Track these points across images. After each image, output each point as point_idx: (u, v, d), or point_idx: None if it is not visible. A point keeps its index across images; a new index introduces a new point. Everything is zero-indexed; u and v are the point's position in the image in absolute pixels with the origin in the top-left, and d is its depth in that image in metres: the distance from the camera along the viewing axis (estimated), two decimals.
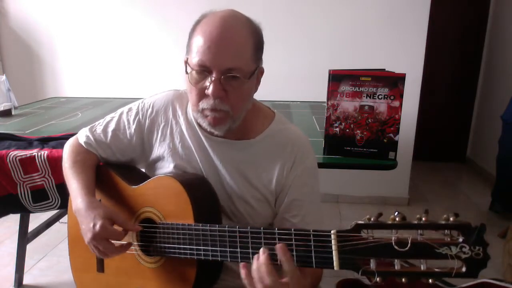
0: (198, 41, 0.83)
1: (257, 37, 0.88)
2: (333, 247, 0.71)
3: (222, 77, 0.83)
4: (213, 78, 0.83)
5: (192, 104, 0.90)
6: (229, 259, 0.83)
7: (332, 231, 0.71)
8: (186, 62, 0.88)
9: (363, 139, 1.45)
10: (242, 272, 0.76)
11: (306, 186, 0.96)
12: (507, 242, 2.14)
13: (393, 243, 0.65)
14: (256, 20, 0.90)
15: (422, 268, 0.65)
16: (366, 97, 1.40)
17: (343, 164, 1.46)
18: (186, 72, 0.88)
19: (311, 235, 0.73)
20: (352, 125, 1.44)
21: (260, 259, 0.75)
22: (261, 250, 0.76)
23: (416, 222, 0.65)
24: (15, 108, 2.22)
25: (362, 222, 0.68)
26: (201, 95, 0.86)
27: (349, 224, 0.70)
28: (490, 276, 1.68)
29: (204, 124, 0.90)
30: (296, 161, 0.95)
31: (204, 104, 0.86)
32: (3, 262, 2.26)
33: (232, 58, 0.82)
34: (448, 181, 3.61)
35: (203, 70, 0.84)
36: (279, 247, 0.75)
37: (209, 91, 0.84)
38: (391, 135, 1.42)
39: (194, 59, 0.84)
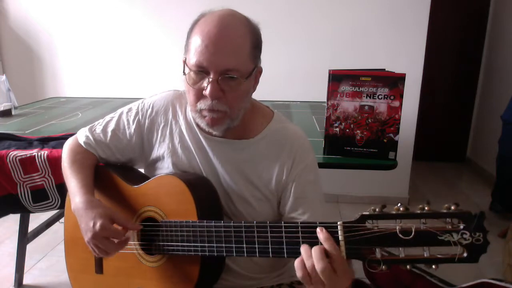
0: (196, 41, 0.83)
1: (255, 37, 0.87)
2: (340, 238, 0.72)
3: (220, 77, 0.83)
4: (210, 79, 0.83)
5: (190, 104, 0.91)
6: (234, 254, 0.83)
7: (338, 222, 0.72)
8: (185, 62, 0.88)
9: (363, 139, 1.45)
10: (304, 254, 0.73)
11: (309, 183, 0.96)
12: (507, 242, 2.14)
13: (398, 232, 0.67)
14: (256, 20, 0.90)
15: (425, 255, 0.68)
16: (366, 97, 1.40)
17: (343, 164, 1.46)
18: (184, 73, 0.88)
19: (318, 227, 0.74)
20: (352, 125, 1.44)
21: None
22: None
23: (419, 211, 0.67)
24: (15, 108, 2.22)
25: (367, 213, 0.70)
26: (199, 95, 0.86)
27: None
28: (490, 276, 1.68)
29: (202, 124, 0.90)
30: (296, 160, 0.95)
31: (202, 104, 0.87)
32: (3, 262, 2.26)
33: (230, 59, 0.82)
34: (448, 181, 3.61)
35: (201, 71, 0.84)
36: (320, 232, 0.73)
37: (207, 92, 0.84)
38: (391, 135, 1.42)
39: (192, 59, 0.84)
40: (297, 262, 0.73)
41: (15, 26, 3.20)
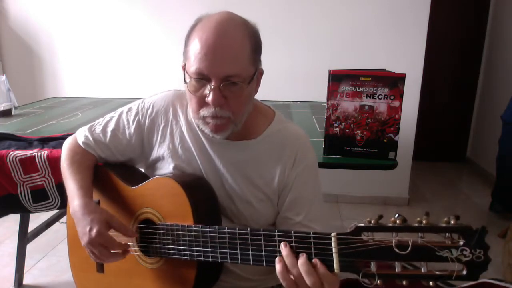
0: (195, 48, 0.82)
1: (254, 39, 0.86)
2: (333, 250, 0.70)
3: (222, 84, 0.82)
4: (212, 87, 0.82)
5: (193, 112, 0.90)
6: (229, 261, 0.83)
7: (332, 234, 0.71)
8: (184, 69, 0.87)
9: (363, 139, 1.44)
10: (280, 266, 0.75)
11: (308, 184, 0.96)
12: (507, 242, 2.14)
13: (394, 246, 0.65)
14: (255, 20, 0.89)
15: (422, 270, 0.65)
16: (366, 97, 1.40)
17: (343, 164, 1.46)
18: (185, 81, 0.87)
19: (311, 238, 0.73)
20: (352, 125, 1.44)
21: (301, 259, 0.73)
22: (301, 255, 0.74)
23: (416, 225, 0.64)
24: (15, 108, 2.22)
25: (363, 225, 0.67)
26: (201, 103, 0.86)
27: (350, 224, 0.70)
28: (490, 276, 1.68)
29: (206, 131, 0.90)
30: (297, 160, 0.95)
31: (205, 111, 0.86)
32: (3, 262, 2.26)
33: (230, 65, 0.81)
34: (448, 181, 3.61)
35: (202, 78, 0.83)
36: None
37: (209, 99, 0.83)
38: (391, 135, 1.42)
39: (192, 67, 0.83)
40: (280, 273, 0.74)
41: (15, 26, 3.20)
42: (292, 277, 0.73)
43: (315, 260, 0.72)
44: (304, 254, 0.73)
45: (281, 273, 0.74)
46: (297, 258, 0.73)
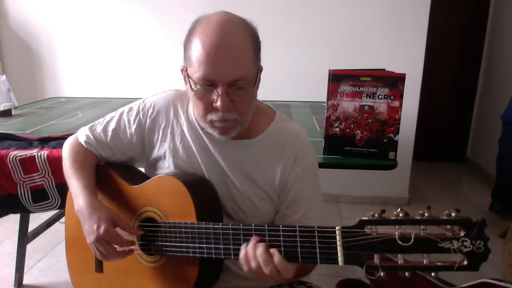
0: (197, 53, 0.81)
1: (255, 39, 0.87)
2: (338, 243, 0.72)
3: (229, 90, 0.83)
4: (220, 92, 0.82)
5: (199, 116, 0.90)
6: (232, 257, 0.83)
7: (337, 227, 0.72)
8: (186, 73, 0.87)
9: (363, 139, 1.45)
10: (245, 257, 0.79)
11: (308, 183, 0.97)
12: (507, 242, 2.14)
13: (397, 238, 0.67)
14: (254, 20, 0.89)
15: (424, 262, 0.67)
16: (366, 97, 1.40)
17: (343, 164, 1.46)
18: (191, 88, 0.85)
19: (316, 231, 0.74)
20: (352, 125, 1.44)
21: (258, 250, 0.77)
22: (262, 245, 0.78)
23: (418, 218, 0.66)
24: (15, 108, 2.22)
25: (366, 218, 0.69)
26: (209, 108, 0.86)
27: (349, 224, 0.71)
28: (490, 276, 1.67)
29: (214, 133, 0.90)
30: (298, 159, 0.95)
31: (213, 116, 0.86)
32: (3, 262, 2.26)
33: (236, 69, 0.81)
34: (448, 181, 3.61)
35: (209, 85, 0.83)
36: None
37: (218, 104, 0.83)
38: (391, 135, 1.42)
39: (197, 73, 0.82)
40: (243, 257, 0.78)
41: (15, 26, 3.20)
42: (253, 265, 0.77)
43: (273, 250, 0.76)
44: (263, 244, 0.77)
45: (244, 257, 0.78)
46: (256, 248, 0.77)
